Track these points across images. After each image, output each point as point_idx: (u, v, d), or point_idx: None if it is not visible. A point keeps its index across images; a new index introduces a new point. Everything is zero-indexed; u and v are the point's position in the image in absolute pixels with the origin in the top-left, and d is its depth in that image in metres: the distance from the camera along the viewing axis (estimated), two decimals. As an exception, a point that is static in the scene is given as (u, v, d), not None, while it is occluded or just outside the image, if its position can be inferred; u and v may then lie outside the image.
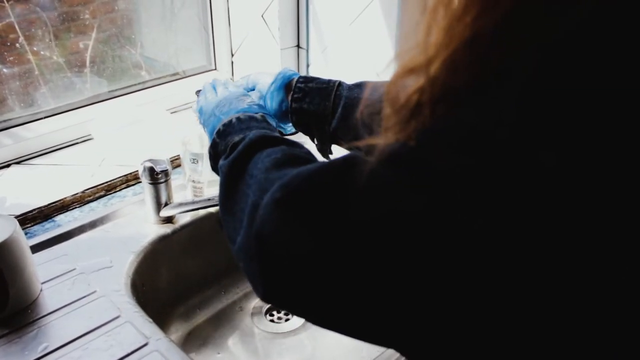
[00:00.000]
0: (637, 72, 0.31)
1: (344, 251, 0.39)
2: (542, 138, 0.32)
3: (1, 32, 1.12)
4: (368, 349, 0.94)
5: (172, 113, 1.33)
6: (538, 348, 0.34)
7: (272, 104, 0.81)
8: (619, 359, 0.33)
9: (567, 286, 0.32)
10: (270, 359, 0.97)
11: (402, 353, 0.42)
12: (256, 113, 0.72)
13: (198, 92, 0.97)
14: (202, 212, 1.01)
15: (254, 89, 0.85)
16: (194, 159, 0.99)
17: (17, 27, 1.13)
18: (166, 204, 0.96)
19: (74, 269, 0.87)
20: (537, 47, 0.33)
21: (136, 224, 0.98)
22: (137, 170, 1.09)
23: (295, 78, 0.82)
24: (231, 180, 0.58)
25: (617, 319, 0.32)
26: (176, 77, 1.41)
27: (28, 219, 0.97)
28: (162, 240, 0.96)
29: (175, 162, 1.13)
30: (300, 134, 0.86)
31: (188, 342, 0.99)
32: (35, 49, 1.17)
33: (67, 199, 1.02)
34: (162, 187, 0.94)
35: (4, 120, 1.15)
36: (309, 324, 1.04)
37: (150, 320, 0.79)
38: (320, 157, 0.81)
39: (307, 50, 1.29)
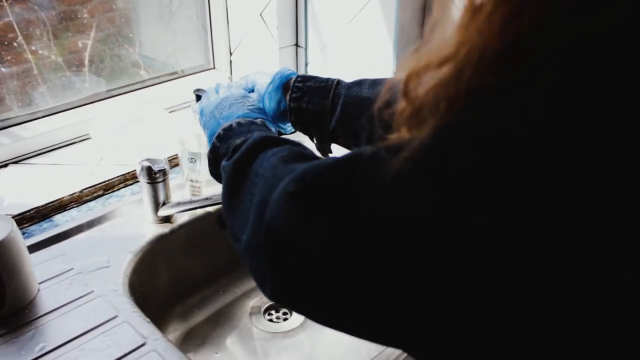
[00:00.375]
0: None
1: (357, 246, 0.38)
2: (566, 141, 0.31)
3: (0, 31, 1.12)
4: (367, 348, 0.94)
5: (170, 112, 1.33)
6: (542, 347, 0.34)
7: (270, 104, 0.81)
8: (618, 358, 0.33)
9: (573, 286, 0.32)
10: (269, 359, 0.97)
11: (411, 353, 0.41)
12: (256, 119, 0.72)
13: (196, 90, 0.96)
14: (200, 211, 1.01)
15: (253, 90, 0.84)
16: (192, 158, 0.99)
17: (15, 26, 1.13)
18: (164, 204, 0.95)
19: (72, 269, 0.86)
20: (566, 49, 0.33)
21: (134, 223, 0.97)
22: (134, 170, 1.09)
23: (293, 77, 0.81)
24: (235, 180, 0.57)
25: (617, 318, 0.32)
26: (175, 76, 1.41)
27: (25, 219, 0.97)
28: (160, 240, 0.96)
29: (174, 162, 1.13)
30: (298, 133, 0.86)
31: (186, 342, 0.99)
32: (33, 48, 1.17)
33: (65, 198, 1.02)
34: (160, 186, 0.94)
35: (2, 120, 1.15)
36: (308, 324, 1.04)
37: (148, 320, 0.78)
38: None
39: (306, 49, 1.29)
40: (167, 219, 0.98)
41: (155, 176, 0.93)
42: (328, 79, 0.82)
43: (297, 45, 1.30)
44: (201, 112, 0.79)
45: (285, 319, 1.05)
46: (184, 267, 1.02)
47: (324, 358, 0.97)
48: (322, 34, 1.24)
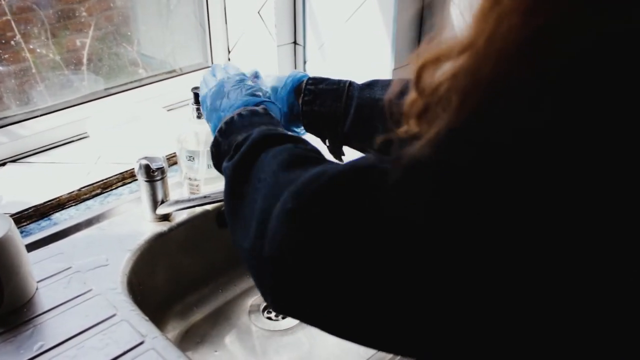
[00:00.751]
0: None
1: (359, 256, 0.38)
2: (572, 143, 0.31)
3: (-3, 29, 1.11)
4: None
5: (168, 110, 1.33)
6: (543, 349, 0.34)
7: (282, 108, 0.80)
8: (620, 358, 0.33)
9: (574, 287, 0.32)
10: (268, 357, 0.97)
11: (417, 358, 0.42)
12: (258, 105, 0.70)
13: (195, 89, 0.96)
14: (198, 209, 1.01)
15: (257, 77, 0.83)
16: (190, 157, 0.99)
17: (13, 24, 1.13)
18: (162, 202, 0.95)
19: (70, 268, 0.86)
20: (582, 50, 0.32)
21: (132, 222, 0.97)
22: (133, 168, 1.08)
23: (305, 80, 0.80)
24: (236, 184, 0.57)
25: (618, 318, 0.32)
26: (173, 74, 1.40)
27: (24, 217, 0.97)
28: (158, 238, 0.96)
29: (172, 160, 1.13)
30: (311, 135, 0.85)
31: (185, 341, 0.99)
32: (31, 46, 1.17)
33: (63, 197, 1.02)
34: (159, 184, 0.94)
35: (0, 118, 1.15)
36: (307, 322, 1.04)
37: (147, 318, 0.78)
38: (329, 157, 0.81)
39: (304, 47, 1.29)
40: (165, 217, 0.98)
41: (153, 174, 0.92)
42: (340, 81, 0.81)
43: (295, 43, 1.30)
44: (202, 103, 0.78)
45: (284, 318, 1.05)
46: (183, 265, 1.02)
47: (323, 356, 0.97)
48: (320, 32, 1.24)
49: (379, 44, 1.13)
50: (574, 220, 0.31)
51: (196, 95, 0.96)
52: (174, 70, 1.41)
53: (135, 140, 1.14)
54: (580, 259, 0.31)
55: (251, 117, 0.67)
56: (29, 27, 1.15)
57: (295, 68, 1.32)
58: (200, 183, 1.01)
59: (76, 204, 1.03)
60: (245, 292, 1.10)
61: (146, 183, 0.93)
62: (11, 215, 0.93)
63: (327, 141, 0.81)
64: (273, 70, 1.30)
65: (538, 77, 0.33)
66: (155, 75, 1.37)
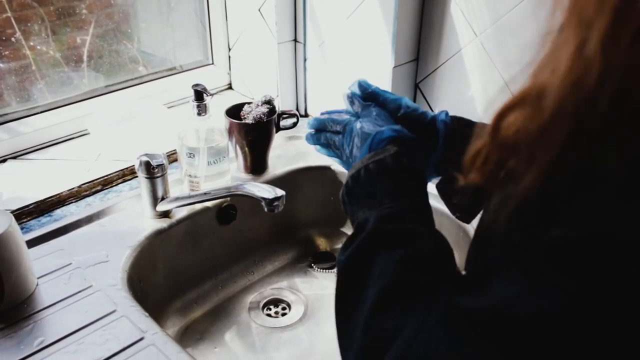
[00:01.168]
0: None
1: None
2: None
3: (-2, 26, 1.12)
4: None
5: (169, 108, 1.33)
6: None
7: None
8: None
9: None
10: (267, 353, 0.97)
11: None
12: (390, 149, 0.62)
13: (195, 86, 0.96)
14: (198, 206, 1.01)
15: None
16: (190, 154, 0.99)
17: (13, 21, 1.13)
18: (163, 199, 0.95)
19: (70, 264, 0.86)
20: None
21: (133, 218, 0.97)
22: (133, 165, 1.09)
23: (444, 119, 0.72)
24: (344, 287, 0.54)
25: None
26: (173, 71, 1.41)
27: (24, 214, 0.97)
28: (158, 235, 0.96)
29: (172, 157, 1.13)
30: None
31: (185, 337, 0.99)
32: (32, 43, 1.17)
33: (64, 193, 1.02)
34: (159, 181, 0.94)
35: (0, 115, 1.15)
36: (307, 319, 1.04)
37: (147, 314, 0.78)
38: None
39: (304, 44, 1.29)
40: (165, 214, 0.98)
41: (153, 171, 0.93)
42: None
43: (295, 40, 1.30)
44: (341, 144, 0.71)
45: (283, 314, 1.05)
46: (183, 262, 1.02)
47: (322, 353, 0.97)
48: (320, 30, 1.24)
49: (380, 42, 1.13)
50: None
51: (197, 93, 0.97)
52: (174, 68, 1.41)
53: (136, 138, 1.14)
54: None
55: (377, 176, 0.60)
56: (29, 24, 1.15)
57: (296, 66, 1.32)
58: (200, 180, 1.01)
59: (76, 201, 1.03)
60: (245, 289, 1.10)
61: (146, 180, 0.93)
62: (12, 212, 0.94)
63: (457, 198, 0.74)
64: (273, 67, 1.30)
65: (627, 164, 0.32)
66: (156, 73, 1.38)
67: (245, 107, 1.07)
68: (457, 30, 1.09)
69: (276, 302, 1.08)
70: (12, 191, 1.02)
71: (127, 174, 1.09)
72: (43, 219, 0.98)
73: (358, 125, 0.68)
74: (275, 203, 0.84)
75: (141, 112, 1.22)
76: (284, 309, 1.06)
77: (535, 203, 0.37)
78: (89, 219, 0.97)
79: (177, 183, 1.05)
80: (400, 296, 0.48)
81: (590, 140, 0.33)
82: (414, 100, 1.23)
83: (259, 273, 1.14)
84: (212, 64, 1.46)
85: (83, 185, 1.04)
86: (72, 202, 1.02)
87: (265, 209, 0.85)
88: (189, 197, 0.93)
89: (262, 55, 1.32)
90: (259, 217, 1.13)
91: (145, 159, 0.92)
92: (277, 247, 1.18)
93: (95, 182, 1.06)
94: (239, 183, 0.89)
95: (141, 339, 0.74)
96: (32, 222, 0.97)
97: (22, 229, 0.93)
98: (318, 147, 0.75)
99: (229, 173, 1.06)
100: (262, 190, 0.85)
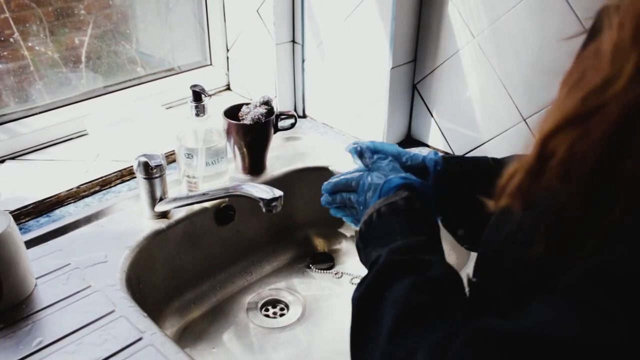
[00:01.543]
0: None
1: None
2: None
3: (-4, 27, 1.12)
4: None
5: (167, 108, 1.33)
6: None
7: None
8: None
9: None
10: (265, 354, 0.97)
11: None
12: (401, 193, 0.63)
13: (193, 87, 0.97)
14: (197, 207, 1.01)
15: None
16: (188, 154, 0.99)
17: (11, 22, 1.13)
18: (161, 199, 0.96)
19: (69, 264, 0.87)
20: None
21: (131, 219, 0.98)
22: (131, 166, 1.09)
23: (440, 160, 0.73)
24: (360, 323, 0.55)
25: None
26: (171, 72, 1.41)
27: (23, 214, 0.97)
28: (157, 235, 0.96)
29: (170, 158, 1.13)
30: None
31: (183, 337, 0.99)
32: (30, 44, 1.17)
33: (62, 194, 1.02)
34: (157, 182, 0.94)
35: (-1, 116, 1.15)
36: (304, 319, 1.04)
37: (145, 314, 0.79)
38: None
39: (303, 45, 1.29)
40: (164, 215, 0.98)
41: (152, 172, 0.93)
42: (478, 158, 0.74)
43: (293, 41, 1.30)
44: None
45: (281, 315, 1.05)
46: (181, 262, 1.03)
47: (320, 353, 0.98)
48: (318, 31, 1.24)
49: (377, 43, 1.13)
50: None
51: (195, 93, 0.97)
52: (172, 69, 1.41)
53: (134, 138, 1.14)
54: None
55: (389, 218, 0.62)
56: (27, 25, 1.15)
57: (294, 67, 1.33)
58: (198, 180, 1.01)
59: (75, 201, 1.03)
60: (243, 290, 1.10)
61: (145, 180, 0.94)
62: (10, 212, 0.94)
63: (461, 230, 0.74)
64: (271, 68, 1.31)
65: None
66: (154, 74, 1.38)
67: (244, 108, 1.07)
68: (455, 32, 1.09)
69: (274, 302, 1.08)
70: (10, 192, 1.02)
71: (125, 175, 1.10)
72: (42, 220, 0.98)
73: (369, 179, 0.69)
74: (274, 203, 0.84)
75: (139, 112, 1.22)
76: (282, 309, 1.07)
77: (577, 226, 0.37)
78: (87, 220, 0.97)
79: (175, 184, 1.05)
80: (414, 321, 0.49)
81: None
82: (412, 101, 1.23)
83: (257, 274, 1.14)
84: (211, 64, 1.47)
85: (81, 186, 1.04)
86: (70, 203, 1.02)
87: (264, 210, 0.85)
88: (187, 197, 0.94)
89: (260, 56, 1.33)
90: (257, 217, 1.13)
91: (143, 159, 0.92)
92: (275, 247, 1.18)
93: (93, 182, 1.06)
94: (237, 184, 0.90)
95: (139, 339, 0.74)
96: (31, 222, 0.97)
97: (20, 229, 0.93)
98: (333, 209, 0.76)
99: (227, 174, 1.06)
100: (260, 190, 0.85)
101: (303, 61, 1.31)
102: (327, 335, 1.00)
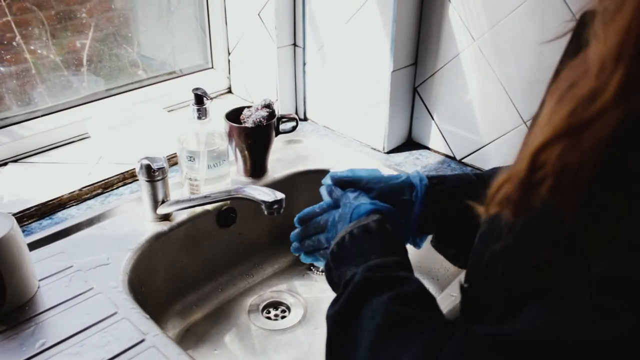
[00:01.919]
0: None
1: None
2: None
3: (-2, 30, 1.12)
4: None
5: (168, 111, 1.33)
6: None
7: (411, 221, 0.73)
8: None
9: None
10: (267, 356, 0.98)
11: None
12: (372, 217, 0.65)
13: (195, 90, 0.97)
14: (199, 209, 1.02)
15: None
16: (190, 157, 1.00)
17: (13, 25, 1.13)
18: (163, 202, 0.96)
19: (71, 266, 0.87)
20: None
21: (133, 221, 0.98)
22: (133, 168, 1.09)
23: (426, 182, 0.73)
24: (336, 340, 0.56)
25: None
26: (173, 75, 1.41)
27: (25, 217, 0.98)
28: (159, 238, 0.96)
29: (172, 160, 1.14)
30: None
31: (185, 339, 1.00)
32: (32, 47, 1.17)
33: (64, 196, 1.02)
34: (159, 184, 0.95)
35: (1, 119, 1.15)
36: (306, 321, 1.04)
37: (148, 316, 0.79)
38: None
39: (304, 49, 1.30)
40: (166, 217, 0.99)
41: (154, 174, 0.93)
42: (463, 176, 0.74)
43: (295, 44, 1.31)
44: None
45: (283, 317, 1.05)
46: (183, 264, 1.03)
47: (321, 355, 0.97)
48: (319, 34, 1.25)
49: (378, 46, 1.14)
50: None
51: (197, 97, 0.97)
52: (174, 72, 1.42)
53: (136, 141, 1.15)
54: None
55: (363, 239, 0.63)
56: (29, 29, 1.16)
57: (295, 70, 1.33)
58: (200, 183, 1.01)
59: (77, 204, 1.03)
60: (245, 292, 1.10)
61: (147, 183, 0.94)
62: (13, 215, 0.94)
63: (453, 250, 0.75)
64: (272, 71, 1.31)
65: None
66: (156, 77, 1.38)
67: (245, 111, 1.08)
68: (455, 35, 1.10)
69: (276, 304, 1.08)
70: (13, 194, 1.02)
71: (127, 177, 1.10)
72: (44, 222, 0.98)
73: (337, 213, 0.70)
74: (275, 206, 0.85)
75: (141, 115, 1.23)
76: (283, 311, 1.07)
77: (572, 233, 0.37)
78: (89, 222, 0.98)
79: (177, 186, 1.06)
80: (395, 331, 0.50)
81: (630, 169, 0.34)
82: (413, 104, 1.23)
83: (258, 276, 1.14)
84: (212, 68, 1.47)
85: (84, 189, 1.05)
86: (73, 205, 1.03)
87: (265, 212, 0.85)
88: (189, 200, 0.94)
89: (262, 59, 1.33)
90: (258, 220, 1.13)
91: (146, 162, 0.93)
92: (277, 250, 1.18)
93: (95, 185, 1.06)
94: (239, 186, 0.90)
95: (142, 340, 0.75)
96: (34, 225, 0.98)
97: (23, 231, 0.94)
98: (303, 256, 0.78)
99: (229, 176, 1.06)
100: (262, 193, 0.85)
101: (304, 64, 1.31)
102: (328, 337, 1.00)
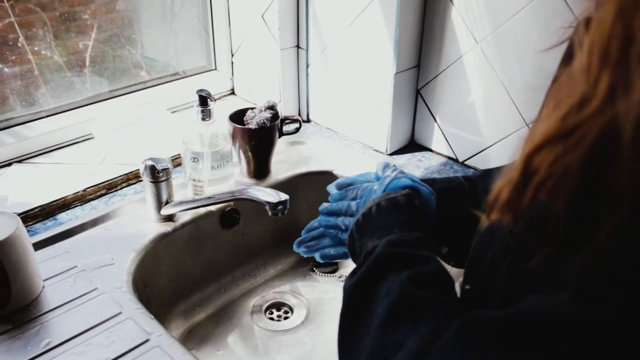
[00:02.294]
0: None
1: None
2: None
3: (1, 31, 1.12)
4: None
5: (172, 113, 1.34)
6: None
7: None
8: None
9: None
10: (270, 356, 0.98)
11: None
12: (402, 189, 0.65)
13: (199, 91, 0.97)
14: (202, 210, 1.02)
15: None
16: (194, 158, 1.00)
17: (17, 27, 1.14)
18: (167, 202, 0.96)
19: (76, 266, 0.87)
20: None
21: (137, 222, 0.98)
22: (137, 169, 1.10)
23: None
24: (351, 312, 0.56)
25: None
26: (176, 77, 1.42)
27: (30, 217, 0.98)
28: (162, 238, 0.97)
29: (176, 161, 1.14)
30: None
31: (188, 340, 1.00)
32: (35, 48, 1.18)
33: (69, 197, 1.03)
34: (163, 185, 0.95)
35: (6, 120, 1.16)
36: (309, 322, 1.05)
37: (152, 316, 0.79)
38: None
39: (307, 51, 1.30)
40: (169, 218, 0.99)
41: (158, 175, 0.93)
42: (453, 179, 0.74)
43: (298, 46, 1.31)
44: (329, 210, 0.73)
45: (286, 318, 1.06)
46: (186, 265, 1.03)
47: (324, 356, 0.98)
48: (323, 36, 1.25)
49: (381, 49, 1.14)
50: None
51: (201, 98, 0.98)
52: (177, 73, 1.42)
53: (139, 142, 1.15)
54: None
55: (390, 211, 0.63)
56: (32, 30, 1.16)
57: (298, 72, 1.34)
58: (204, 184, 1.02)
59: (81, 204, 1.04)
60: (248, 293, 1.11)
61: (151, 184, 0.94)
62: (17, 215, 0.94)
63: (445, 248, 0.74)
64: (276, 73, 1.32)
65: None
66: (159, 78, 1.39)
67: (249, 113, 1.08)
68: (458, 37, 1.10)
69: (278, 305, 1.09)
70: (17, 195, 1.03)
71: (131, 178, 1.10)
72: (48, 222, 0.99)
73: (376, 185, 0.69)
74: (280, 207, 0.85)
75: (145, 116, 1.23)
76: (286, 312, 1.07)
77: (564, 228, 0.39)
78: (93, 223, 0.98)
79: (181, 187, 1.06)
80: (407, 311, 0.50)
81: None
82: (415, 106, 1.24)
83: (261, 277, 1.15)
84: (215, 69, 1.48)
85: (88, 189, 1.05)
86: (77, 206, 1.03)
87: (270, 213, 0.85)
88: (193, 201, 0.94)
89: (265, 61, 1.34)
90: (261, 221, 1.14)
91: (150, 163, 0.93)
92: (280, 251, 1.19)
93: (99, 185, 1.07)
94: (243, 187, 0.90)
95: (146, 340, 0.75)
96: (38, 225, 0.98)
97: (27, 232, 0.94)
98: (302, 249, 0.78)
99: (233, 177, 1.07)
100: (266, 194, 0.86)
101: (307, 66, 1.32)
102: (330, 338, 1.01)
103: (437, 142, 1.23)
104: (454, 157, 1.21)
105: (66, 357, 0.72)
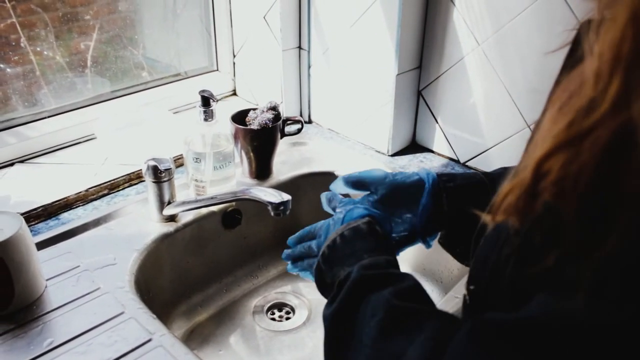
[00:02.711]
0: None
1: None
2: None
3: (3, 32, 1.13)
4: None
5: (174, 113, 1.34)
6: None
7: (420, 217, 0.73)
8: None
9: None
10: (271, 356, 0.98)
11: None
12: (362, 218, 0.67)
13: (202, 92, 0.98)
14: (204, 210, 1.02)
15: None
16: (196, 158, 1.00)
17: (18, 27, 1.14)
18: (169, 203, 0.97)
19: (78, 266, 0.88)
20: None
21: (139, 222, 0.99)
22: (139, 170, 1.10)
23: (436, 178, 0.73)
24: (335, 338, 0.57)
25: None
26: (178, 77, 1.42)
27: (32, 217, 0.98)
28: (165, 239, 0.97)
29: (178, 162, 1.14)
30: None
31: (190, 340, 1.00)
32: (37, 49, 1.18)
33: (71, 197, 1.03)
34: (166, 185, 0.95)
35: (8, 120, 1.16)
36: (310, 322, 1.05)
37: (154, 316, 0.79)
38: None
39: (309, 52, 1.30)
40: (172, 218, 0.99)
41: (160, 175, 0.94)
42: (473, 174, 0.74)
43: (300, 47, 1.32)
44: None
45: (287, 318, 1.06)
46: (188, 265, 1.03)
47: (326, 356, 0.98)
48: (324, 37, 1.25)
49: (383, 50, 1.15)
50: None
51: (204, 98, 0.98)
52: (179, 74, 1.42)
53: (142, 142, 1.15)
54: None
55: (354, 240, 0.64)
56: (34, 30, 1.17)
57: (300, 73, 1.34)
58: (206, 184, 1.02)
59: (84, 204, 1.04)
60: (250, 293, 1.11)
61: (153, 184, 0.95)
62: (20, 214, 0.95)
63: (460, 247, 0.75)
64: (277, 74, 1.32)
65: None
66: (161, 79, 1.39)
67: (251, 113, 1.09)
68: (460, 39, 1.10)
69: (280, 306, 1.09)
70: (20, 195, 1.03)
71: (133, 178, 1.11)
72: (51, 222, 0.99)
73: (331, 220, 0.72)
74: (282, 207, 0.85)
75: (147, 117, 1.23)
76: (287, 312, 1.07)
77: (573, 231, 0.39)
78: (96, 223, 0.98)
79: (183, 187, 1.06)
80: (398, 324, 0.51)
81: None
82: (417, 107, 1.24)
83: (263, 277, 1.15)
84: (217, 70, 1.48)
85: (90, 189, 1.05)
86: (79, 206, 1.03)
87: (272, 213, 0.86)
88: (196, 201, 0.95)
89: (267, 62, 1.34)
90: (263, 221, 1.14)
91: (152, 163, 0.93)
92: (281, 252, 1.18)
93: (102, 186, 1.07)
94: (245, 187, 0.91)
95: (149, 340, 0.75)
96: (40, 225, 0.98)
97: (30, 231, 0.94)
98: (290, 265, 0.80)
99: (235, 178, 1.07)
100: (269, 194, 0.86)
101: (309, 67, 1.32)
102: (332, 338, 1.01)
103: (438, 143, 1.23)
104: (455, 158, 1.21)
105: (69, 357, 0.72)
